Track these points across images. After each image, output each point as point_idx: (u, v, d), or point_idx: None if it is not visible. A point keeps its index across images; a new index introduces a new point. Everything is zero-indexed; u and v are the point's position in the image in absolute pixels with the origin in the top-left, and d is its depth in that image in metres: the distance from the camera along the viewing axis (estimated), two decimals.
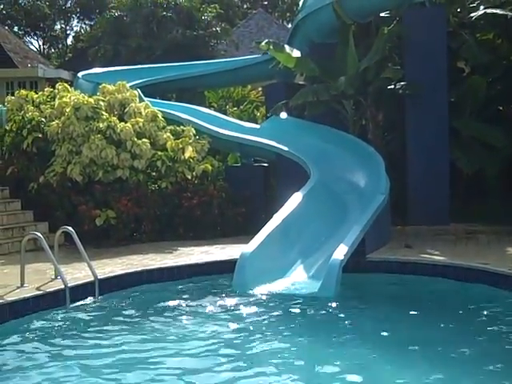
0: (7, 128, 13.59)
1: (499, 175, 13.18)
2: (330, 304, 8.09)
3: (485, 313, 7.64)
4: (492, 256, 9.54)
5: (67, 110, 12.81)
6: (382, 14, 14.43)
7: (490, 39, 14.20)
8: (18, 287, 8.25)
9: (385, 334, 6.98)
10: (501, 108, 14.32)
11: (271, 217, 10.19)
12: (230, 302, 8.34)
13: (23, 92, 14.34)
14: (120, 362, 6.27)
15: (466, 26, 13.89)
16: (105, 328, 7.39)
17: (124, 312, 8.06)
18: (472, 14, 13.96)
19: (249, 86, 21.24)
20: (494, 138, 13.01)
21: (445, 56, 12.60)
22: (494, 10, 13.58)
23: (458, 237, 11.54)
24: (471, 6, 14.25)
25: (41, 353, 6.59)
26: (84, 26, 54.71)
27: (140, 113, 13.34)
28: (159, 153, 12.81)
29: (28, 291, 8.08)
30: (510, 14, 13.42)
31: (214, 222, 12.76)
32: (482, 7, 13.98)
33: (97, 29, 32.47)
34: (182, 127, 13.63)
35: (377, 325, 7.36)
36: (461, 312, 7.78)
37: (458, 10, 14.32)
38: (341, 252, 8.84)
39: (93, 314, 8.01)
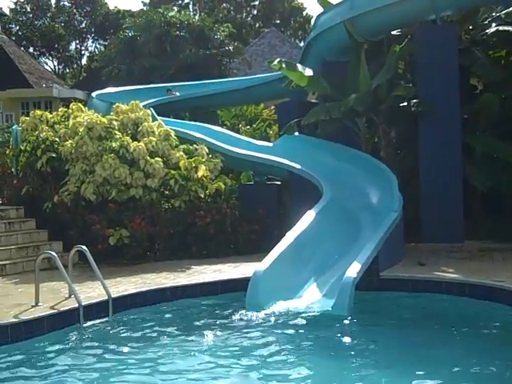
0: (22, 148, 13.71)
1: None
2: (343, 322, 8.06)
3: (500, 332, 7.57)
4: (507, 273, 9.46)
5: (81, 130, 12.91)
6: (394, 32, 14.49)
7: (502, 56, 14.19)
8: (32, 306, 8.28)
9: (399, 351, 6.94)
10: None
11: (284, 235, 10.17)
12: (244, 320, 8.33)
13: (38, 112, 14.48)
14: (134, 381, 6.27)
15: (478, 44, 13.90)
16: (118, 347, 7.39)
17: (138, 331, 8.06)
18: (484, 32, 13.99)
19: (261, 105, 21.33)
20: (508, 155, 12.96)
21: (457, 73, 12.59)
22: (507, 28, 13.61)
23: (472, 254, 11.46)
24: (483, 23, 14.28)
25: (55, 372, 6.60)
26: (98, 46, 55.38)
27: (153, 132, 13.41)
28: (172, 172, 12.85)
29: (42, 310, 8.11)
30: None
31: (227, 240, 12.76)
32: (493, 24, 14.02)
33: (111, 49, 32.84)
34: (194, 146, 13.68)
35: (391, 343, 7.33)
36: (477, 330, 7.70)
37: (470, 27, 14.35)
38: (354, 270, 8.82)
39: (106, 332, 8.03)
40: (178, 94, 18.82)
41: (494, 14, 14.26)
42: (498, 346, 7.09)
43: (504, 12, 13.85)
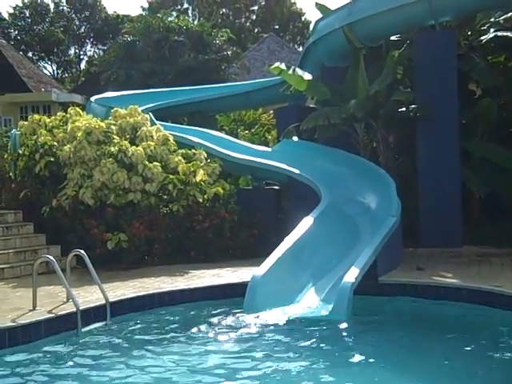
0: (20, 152, 13.71)
1: None
2: (341, 327, 8.05)
3: (498, 337, 7.56)
4: (506, 279, 9.46)
5: (79, 135, 12.91)
6: (393, 38, 14.53)
7: (500, 62, 14.26)
8: (30, 310, 8.26)
9: (398, 356, 6.93)
10: None
11: (283, 239, 10.17)
12: (241, 325, 8.31)
13: (36, 116, 14.47)
14: None
15: (476, 49, 13.95)
16: (116, 351, 7.38)
17: (135, 336, 8.05)
18: (482, 37, 14.04)
19: (260, 109, 21.33)
20: (506, 160, 12.98)
21: (455, 79, 12.62)
22: (505, 33, 13.66)
23: (470, 259, 11.46)
24: (481, 29, 14.33)
25: (51, 377, 6.58)
26: (97, 50, 55.48)
27: (151, 136, 13.41)
28: (171, 176, 12.84)
29: (40, 314, 8.08)
30: None
31: (226, 244, 12.75)
32: (492, 30, 14.07)
33: (110, 53, 32.83)
34: (193, 151, 13.68)
35: (389, 347, 7.31)
36: (475, 334, 7.70)
37: (469, 33, 14.39)
38: (352, 275, 8.81)
39: (104, 337, 8.01)
40: None
41: (492, 19, 14.32)
42: (497, 350, 7.08)
43: (502, 17, 13.92)
